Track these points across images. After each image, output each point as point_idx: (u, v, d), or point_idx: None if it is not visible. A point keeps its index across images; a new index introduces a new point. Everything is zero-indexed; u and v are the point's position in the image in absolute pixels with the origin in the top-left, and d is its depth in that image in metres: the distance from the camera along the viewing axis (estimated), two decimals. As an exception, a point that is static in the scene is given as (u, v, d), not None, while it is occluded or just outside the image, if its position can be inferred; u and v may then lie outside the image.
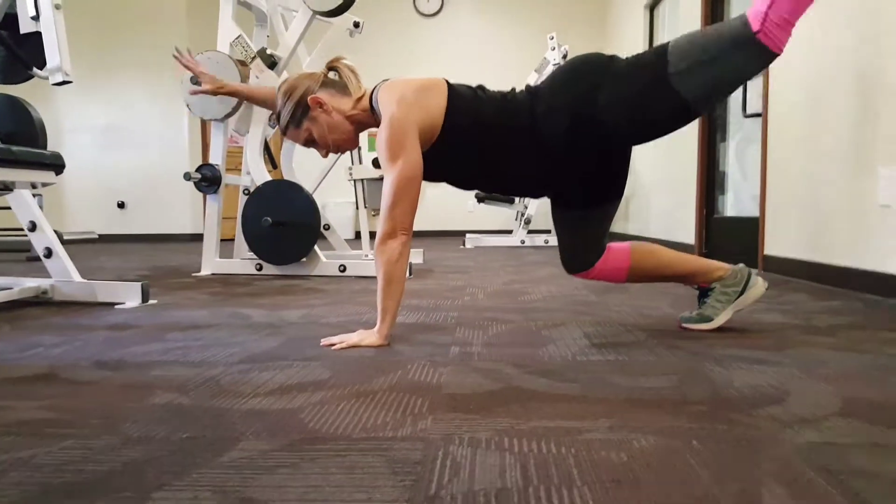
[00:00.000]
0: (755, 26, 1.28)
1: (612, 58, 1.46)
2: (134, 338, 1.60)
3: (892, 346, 1.44)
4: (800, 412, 0.96)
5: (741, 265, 1.62)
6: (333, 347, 1.44)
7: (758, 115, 3.22)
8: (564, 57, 5.33)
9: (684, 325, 1.65)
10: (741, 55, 1.32)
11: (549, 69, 5.20)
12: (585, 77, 1.45)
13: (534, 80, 5.31)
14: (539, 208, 5.45)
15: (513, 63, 6.96)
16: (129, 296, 2.17)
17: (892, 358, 1.32)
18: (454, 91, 1.50)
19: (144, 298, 2.18)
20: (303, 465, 0.78)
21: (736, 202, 3.91)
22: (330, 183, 4.91)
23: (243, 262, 3.20)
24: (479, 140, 1.49)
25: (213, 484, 0.73)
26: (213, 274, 3.19)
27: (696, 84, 1.35)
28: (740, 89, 3.50)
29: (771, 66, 3.03)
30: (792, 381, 1.14)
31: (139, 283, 2.17)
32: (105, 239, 6.86)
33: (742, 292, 1.59)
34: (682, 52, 1.35)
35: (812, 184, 2.68)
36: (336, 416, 0.97)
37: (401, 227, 1.45)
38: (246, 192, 3.19)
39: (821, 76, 2.61)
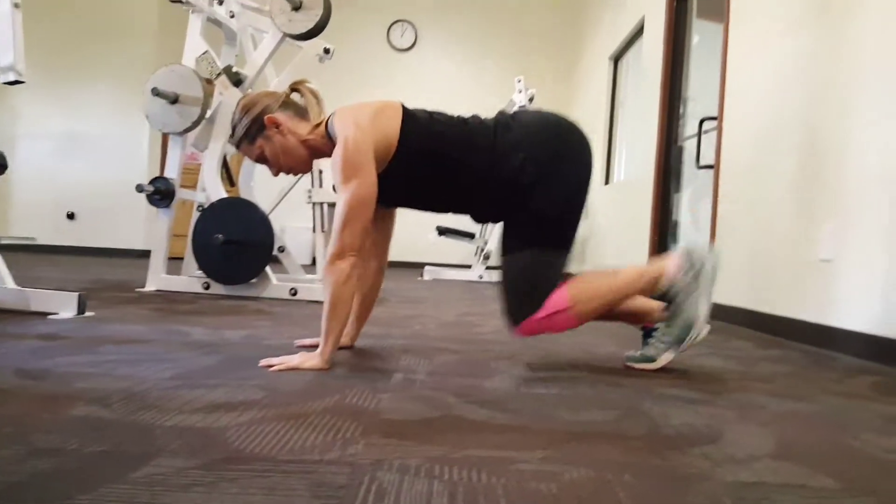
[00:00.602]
0: (520, 330, 1.54)
1: (588, 144, 1.58)
2: (63, 348, 1.52)
3: (828, 394, 1.48)
4: (733, 452, 0.96)
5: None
6: (272, 369, 1.40)
7: (710, 167, 3.34)
8: (531, 100, 5.47)
9: (628, 363, 1.66)
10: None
11: (516, 110, 5.30)
12: (564, 141, 1.53)
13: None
14: (499, 244, 5.48)
15: (482, 101, 7.09)
16: (64, 306, 2.07)
17: (826, 405, 1.35)
18: (409, 113, 1.51)
19: (81, 310, 2.08)
20: (220, 484, 0.74)
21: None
22: (290, 207, 4.84)
23: (190, 279, 3.10)
24: (431, 161, 1.50)
25: (119, 499, 0.68)
26: (157, 290, 3.09)
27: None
28: (694, 142, 3.64)
29: (724, 120, 3.18)
30: (729, 422, 1.15)
31: (76, 294, 2.08)
32: (50, 250, 6.59)
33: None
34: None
35: (758, 236, 2.78)
36: (263, 436, 0.93)
37: (350, 249, 1.43)
38: (200, 208, 3.12)
39: (769, 135, 2.73)
